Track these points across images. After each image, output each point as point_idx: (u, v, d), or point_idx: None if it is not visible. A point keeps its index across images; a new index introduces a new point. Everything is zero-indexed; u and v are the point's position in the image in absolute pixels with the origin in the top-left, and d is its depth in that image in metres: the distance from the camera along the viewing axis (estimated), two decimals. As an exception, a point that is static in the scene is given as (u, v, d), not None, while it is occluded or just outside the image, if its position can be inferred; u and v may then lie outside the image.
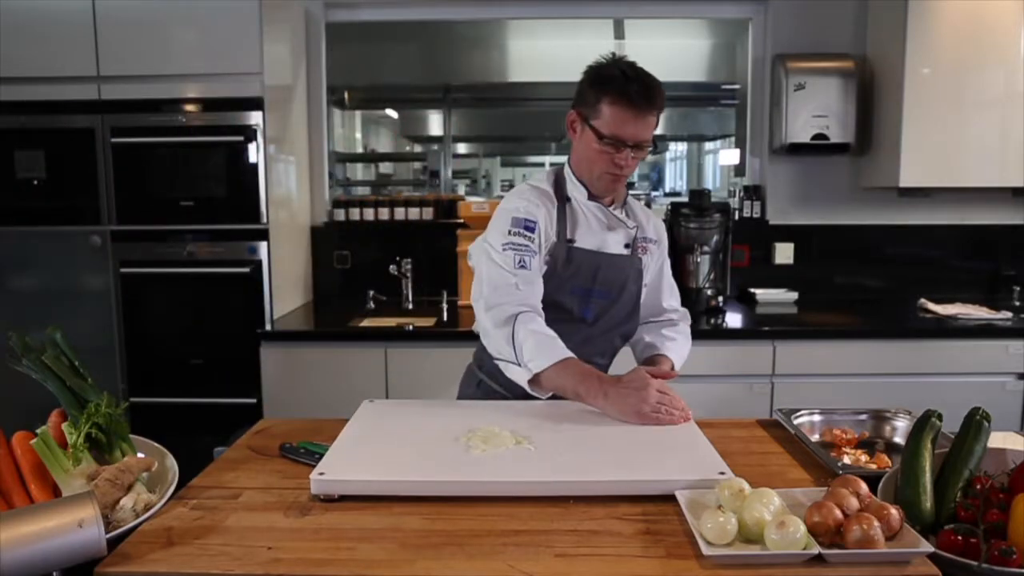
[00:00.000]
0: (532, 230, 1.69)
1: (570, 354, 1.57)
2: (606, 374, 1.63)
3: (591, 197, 1.75)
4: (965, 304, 3.12)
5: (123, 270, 2.93)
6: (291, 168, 3.24)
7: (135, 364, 2.99)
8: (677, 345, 1.87)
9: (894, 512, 1.04)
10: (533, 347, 1.56)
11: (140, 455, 1.28)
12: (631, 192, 1.92)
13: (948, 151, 2.99)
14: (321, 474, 1.23)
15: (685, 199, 3.42)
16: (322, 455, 1.33)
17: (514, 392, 1.73)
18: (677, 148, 6.56)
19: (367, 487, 1.22)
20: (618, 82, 1.61)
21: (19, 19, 2.82)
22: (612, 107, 1.61)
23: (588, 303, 1.74)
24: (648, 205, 3.33)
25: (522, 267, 1.66)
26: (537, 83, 4.39)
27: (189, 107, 2.88)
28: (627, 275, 1.77)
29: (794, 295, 3.33)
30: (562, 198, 1.75)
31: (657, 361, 1.79)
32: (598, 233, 1.75)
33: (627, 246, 1.78)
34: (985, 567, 0.97)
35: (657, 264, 1.87)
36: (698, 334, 2.87)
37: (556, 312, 1.71)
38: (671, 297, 1.93)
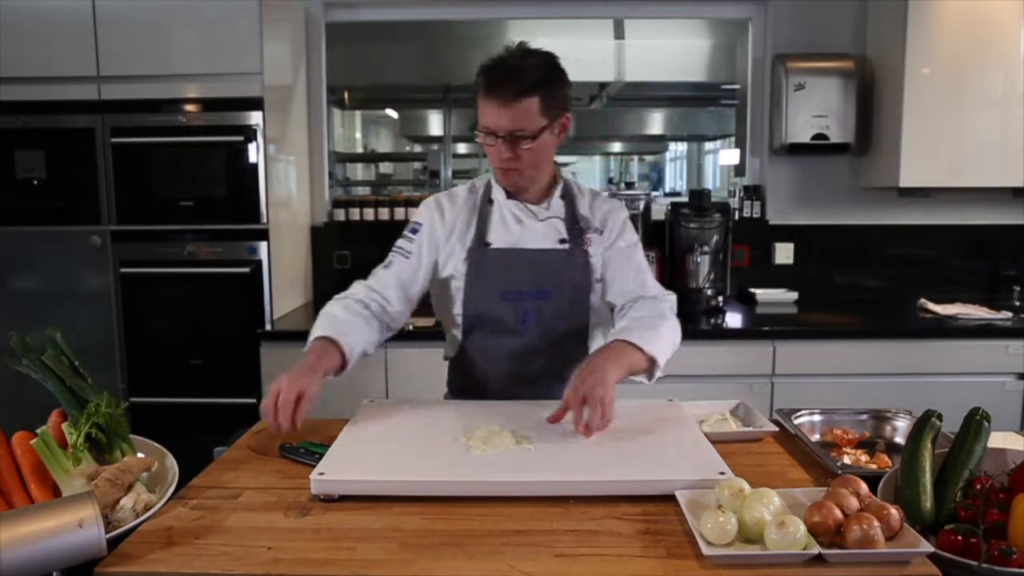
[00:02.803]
0: (416, 232, 1.73)
1: (329, 333, 1.56)
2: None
3: (510, 196, 1.70)
4: (965, 304, 3.12)
5: (123, 270, 2.93)
6: (291, 168, 3.24)
7: (135, 364, 2.99)
8: (651, 331, 1.57)
9: (894, 512, 1.04)
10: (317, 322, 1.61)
11: (140, 455, 1.28)
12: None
13: (948, 151, 2.99)
14: (321, 474, 1.23)
15: (685, 199, 3.42)
16: (322, 455, 1.33)
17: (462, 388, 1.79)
18: (677, 148, 6.57)
19: (367, 487, 1.22)
20: (482, 71, 1.56)
21: (19, 19, 2.82)
22: (480, 98, 1.57)
23: (524, 307, 1.68)
24: (648, 206, 3.31)
25: (386, 266, 1.73)
26: (537, 83, 4.38)
27: (189, 107, 2.88)
28: (563, 270, 1.69)
29: (794, 295, 3.32)
30: (487, 200, 1.73)
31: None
32: (514, 231, 1.70)
33: (562, 240, 1.70)
34: (985, 567, 0.97)
35: (612, 252, 1.73)
36: (698, 334, 2.91)
37: (494, 325, 1.70)
38: (640, 286, 1.72)
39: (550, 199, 1.73)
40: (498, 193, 1.72)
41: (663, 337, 1.58)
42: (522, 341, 1.69)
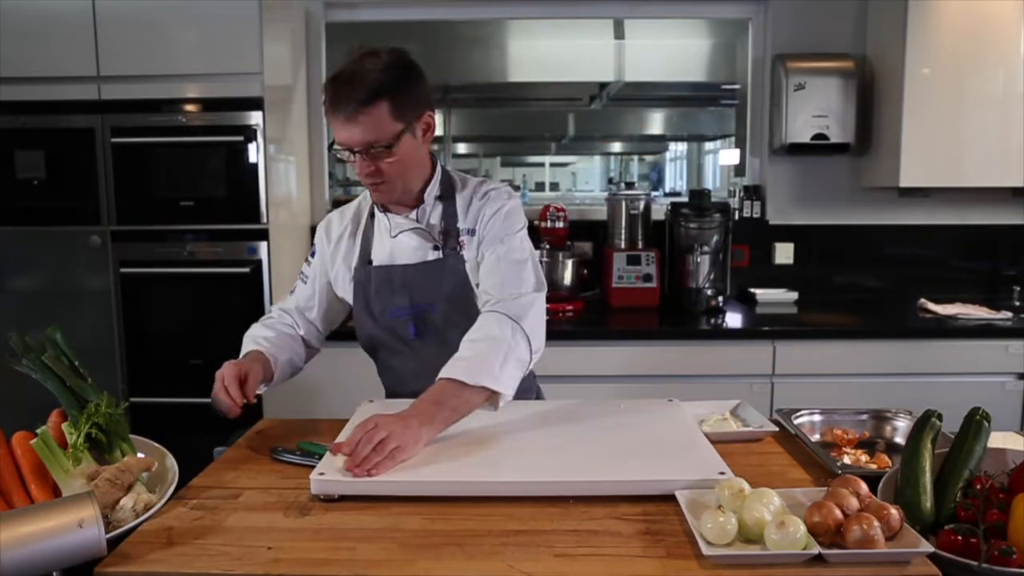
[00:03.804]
0: (313, 255, 1.73)
1: (253, 348, 1.65)
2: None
3: (382, 208, 1.62)
4: (965, 304, 3.11)
5: (123, 270, 2.93)
6: (291, 168, 3.24)
7: (135, 364, 2.99)
8: (480, 358, 1.39)
9: (894, 512, 1.04)
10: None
11: (140, 455, 1.28)
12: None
13: (948, 151, 2.99)
14: (321, 474, 1.23)
15: (685, 199, 3.42)
16: (320, 455, 1.33)
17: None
18: (677, 148, 6.57)
19: (367, 487, 1.22)
20: (325, 84, 1.46)
21: (19, 19, 2.82)
22: (327, 113, 1.46)
23: (410, 322, 1.61)
24: (648, 206, 3.31)
25: (291, 292, 1.77)
26: (537, 83, 4.39)
27: (189, 107, 2.87)
28: (438, 281, 1.59)
29: (794, 295, 3.32)
30: (371, 214, 1.66)
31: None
32: (388, 245, 1.62)
33: (436, 248, 1.59)
34: (985, 567, 0.97)
35: (482, 250, 1.58)
36: (698, 334, 2.92)
37: (389, 346, 1.67)
38: (496, 286, 1.52)
39: (422, 205, 1.60)
40: (375, 207, 1.64)
41: (493, 363, 1.38)
42: (422, 357, 1.61)
